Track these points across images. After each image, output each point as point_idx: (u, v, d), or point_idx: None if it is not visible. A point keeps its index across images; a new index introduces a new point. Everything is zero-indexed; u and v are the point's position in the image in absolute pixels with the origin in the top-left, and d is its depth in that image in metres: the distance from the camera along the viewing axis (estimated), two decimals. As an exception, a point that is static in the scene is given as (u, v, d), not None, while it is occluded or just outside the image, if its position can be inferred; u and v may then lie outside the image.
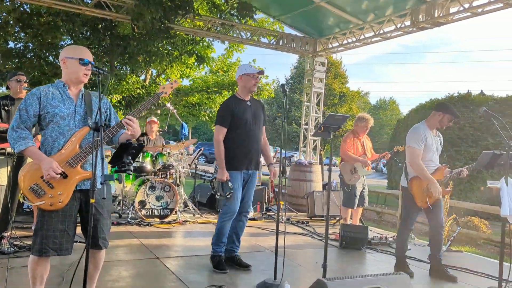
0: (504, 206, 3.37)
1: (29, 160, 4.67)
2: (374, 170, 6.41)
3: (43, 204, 2.63)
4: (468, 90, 12.90)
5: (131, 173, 2.59)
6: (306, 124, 10.00)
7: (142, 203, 6.36)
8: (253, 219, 7.27)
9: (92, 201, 2.45)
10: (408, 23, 7.37)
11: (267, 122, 4.44)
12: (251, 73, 4.21)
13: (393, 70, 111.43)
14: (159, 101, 9.76)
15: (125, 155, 2.50)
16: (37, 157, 2.64)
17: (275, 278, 3.75)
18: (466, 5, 6.41)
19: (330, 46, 9.40)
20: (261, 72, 4.27)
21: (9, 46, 9.37)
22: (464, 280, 4.48)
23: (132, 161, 2.53)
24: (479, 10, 6.34)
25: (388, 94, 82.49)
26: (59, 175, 2.60)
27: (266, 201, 8.14)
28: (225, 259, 4.33)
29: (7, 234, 4.49)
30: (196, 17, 8.07)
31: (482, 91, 12.66)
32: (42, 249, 2.63)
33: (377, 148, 7.91)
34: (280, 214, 7.62)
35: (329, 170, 3.33)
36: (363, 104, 59.98)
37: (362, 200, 6.30)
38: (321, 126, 3.26)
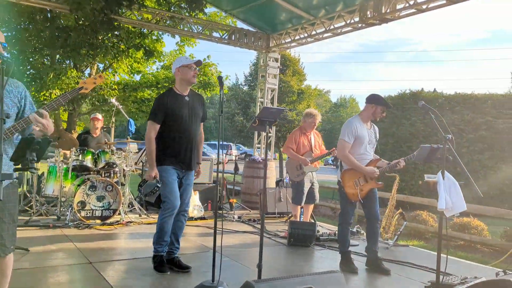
0: (440, 200, 3.34)
1: None
2: (319, 166, 6.35)
3: None
4: (422, 88, 13.19)
5: (34, 171, 2.30)
6: (260, 120, 9.86)
7: (82, 204, 6.00)
8: (203, 218, 7.05)
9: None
10: (357, 19, 7.37)
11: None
12: (188, 64, 4.02)
13: (354, 69, 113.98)
14: (102, 97, 9.36)
15: (28, 151, 2.22)
16: None
17: (213, 280, 3.56)
18: (411, 1, 6.46)
19: (283, 41, 9.31)
20: (199, 63, 4.10)
21: None
22: (407, 274, 4.48)
23: (36, 158, 2.26)
24: (424, 6, 6.41)
25: (348, 92, 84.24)
26: None
27: (218, 199, 7.94)
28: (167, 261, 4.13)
29: None
30: (143, 9, 7.72)
31: (435, 89, 12.99)
32: None
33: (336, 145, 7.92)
34: (231, 212, 7.57)
35: (265, 166, 3.17)
36: (324, 102, 61.01)
37: (312, 197, 6.23)
38: (256, 120, 3.10)
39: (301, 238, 5.51)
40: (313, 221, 6.59)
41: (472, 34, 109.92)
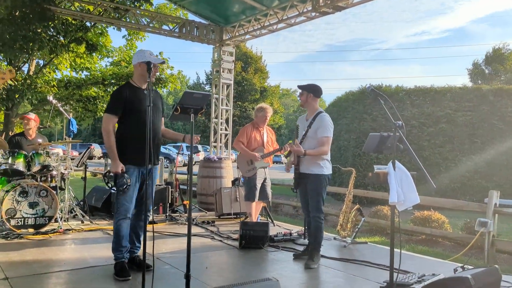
0: (392, 193, 3.04)
1: None
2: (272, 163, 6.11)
3: None
4: (381, 83, 13.15)
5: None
6: (216, 117, 9.44)
7: (12, 212, 5.40)
8: (153, 222, 6.55)
9: None
10: (310, 7, 7.08)
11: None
12: (152, 63, 3.64)
13: (320, 68, 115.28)
14: (41, 95, 8.65)
15: None
16: None
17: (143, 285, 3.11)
18: (364, -12, 6.22)
19: (237, 34, 8.92)
20: (163, 63, 4.00)
21: None
22: (363, 274, 4.18)
23: None
24: (376, -7, 6.18)
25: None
26: None
27: (170, 201, 7.46)
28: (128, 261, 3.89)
29: None
30: (83, -1, 7.15)
31: (397, 85, 12.97)
32: None
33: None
34: (185, 214, 7.12)
35: (189, 162, 2.76)
36: (292, 102, 61.23)
37: (264, 194, 5.96)
38: (177, 107, 2.68)
39: (253, 240, 5.14)
40: (266, 220, 6.27)
41: (434, 33, 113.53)
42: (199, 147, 28.21)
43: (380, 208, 8.14)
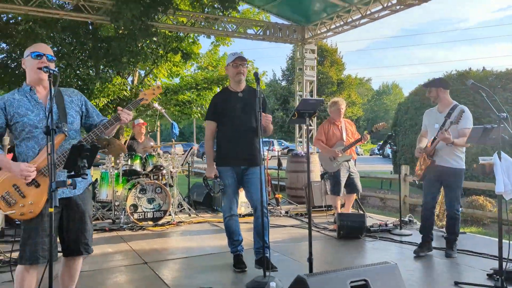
0: (498, 183, 3.17)
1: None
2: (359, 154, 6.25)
3: (13, 213, 2.50)
4: (470, 68, 12.55)
5: (86, 177, 2.40)
6: (301, 114, 9.78)
7: (134, 207, 6.20)
8: (251, 214, 7.08)
9: (50, 210, 2.29)
10: (394, 1, 7.12)
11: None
12: (230, 62, 4.02)
13: (394, 55, 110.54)
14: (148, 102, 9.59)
15: (79, 158, 2.32)
16: (5, 164, 2.52)
17: (264, 275, 3.56)
18: (453, -23, 6.16)
19: (318, 32, 9.16)
20: (239, 58, 3.99)
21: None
22: (466, 262, 4.29)
23: (87, 165, 2.35)
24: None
25: (390, 78, 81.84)
26: (31, 183, 2.49)
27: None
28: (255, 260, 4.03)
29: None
30: (178, 13, 7.86)
31: (484, 67, 12.30)
32: (32, 257, 2.51)
33: (382, 134, 7.67)
34: (277, 207, 7.57)
35: (307, 159, 3.13)
36: (366, 91, 59.78)
37: (352, 186, 6.09)
38: (295, 112, 3.06)
39: (351, 230, 5.40)
40: (361, 212, 6.46)
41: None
42: (274, 141, 28.59)
43: (475, 198, 7.94)
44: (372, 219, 6.73)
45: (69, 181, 2.34)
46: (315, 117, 3.41)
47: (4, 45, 9.07)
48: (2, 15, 8.81)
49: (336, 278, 2.50)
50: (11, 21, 8.85)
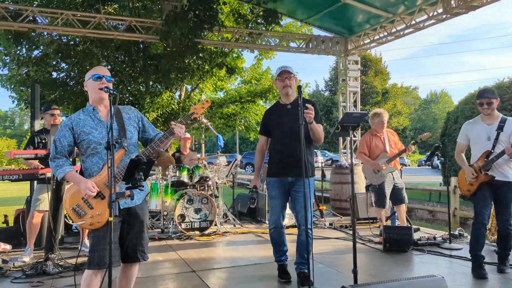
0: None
1: (69, 183, 4.95)
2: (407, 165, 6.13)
3: (83, 224, 2.74)
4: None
5: (143, 188, 2.60)
6: (344, 125, 9.76)
7: (182, 217, 6.43)
8: (295, 226, 7.12)
9: (110, 219, 2.50)
10: (440, 10, 7.02)
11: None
12: (277, 77, 4.14)
13: (442, 62, 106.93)
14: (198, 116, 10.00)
15: (136, 171, 2.52)
16: (75, 180, 2.78)
17: (309, 286, 3.61)
18: (501, -16, 6.01)
19: (362, 43, 9.15)
20: (285, 72, 4.05)
21: (52, 76, 9.98)
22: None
23: (143, 177, 2.55)
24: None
25: (438, 86, 79.15)
26: (97, 195, 2.72)
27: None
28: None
29: (52, 255, 4.69)
30: (223, 29, 8.15)
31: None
32: (101, 262, 2.72)
33: (430, 144, 7.46)
34: (322, 219, 7.56)
35: (351, 171, 3.18)
36: (413, 100, 58.12)
37: (398, 197, 5.99)
38: (338, 126, 3.13)
39: (397, 243, 5.33)
40: (409, 224, 6.34)
41: None
42: (318, 152, 28.33)
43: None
44: (420, 232, 6.59)
45: (128, 192, 2.54)
46: (359, 129, 3.44)
47: (64, 64, 9.79)
48: (62, 37, 9.52)
49: (381, 289, 2.53)
50: (71, 43, 9.56)
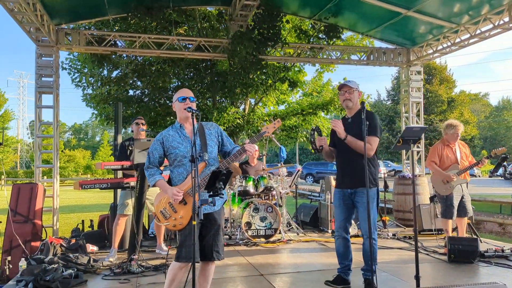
0: None
1: (150, 191, 5.53)
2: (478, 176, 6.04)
3: (168, 224, 3.22)
4: None
5: (223, 196, 3.00)
6: (407, 135, 9.71)
7: (248, 225, 6.82)
8: (357, 235, 7.25)
9: (194, 222, 2.92)
10: (507, 19, 6.89)
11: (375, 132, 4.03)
12: (338, 91, 4.35)
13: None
14: (256, 128, 10.46)
15: (217, 181, 2.92)
16: (164, 187, 3.27)
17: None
18: None
19: (424, 53, 9.11)
20: (343, 86, 4.25)
21: (129, 94, 10.93)
22: None
23: (223, 186, 2.94)
24: None
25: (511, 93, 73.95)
26: (181, 201, 3.18)
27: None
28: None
29: (135, 256, 5.25)
30: (285, 46, 8.52)
31: None
32: (187, 256, 3.16)
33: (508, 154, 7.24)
34: (384, 230, 7.60)
35: (413, 182, 3.36)
36: (482, 107, 54.92)
37: (463, 210, 5.95)
38: (399, 139, 3.33)
39: (462, 254, 5.32)
40: (475, 236, 6.25)
41: None
42: (380, 163, 27.69)
43: None
44: (488, 244, 6.46)
45: (210, 200, 2.95)
46: (422, 140, 3.46)
47: (139, 82, 10.71)
48: (139, 58, 10.43)
49: (442, 293, 2.69)
50: (146, 63, 10.45)
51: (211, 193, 2.98)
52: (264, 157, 8.69)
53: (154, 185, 3.33)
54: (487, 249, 5.64)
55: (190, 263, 3.11)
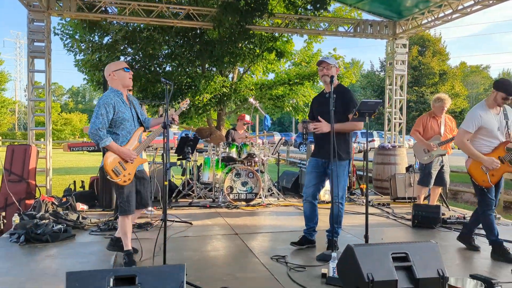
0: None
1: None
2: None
3: (119, 180, 3.68)
4: None
5: (190, 159, 3.35)
6: (390, 107, 10.01)
7: (230, 189, 7.21)
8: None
9: (165, 183, 3.29)
10: (487, -5, 7.07)
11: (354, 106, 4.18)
12: (318, 66, 4.55)
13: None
14: (243, 97, 10.74)
15: (185, 146, 3.25)
16: (117, 149, 3.69)
17: (332, 250, 4.17)
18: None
19: (410, 27, 9.27)
20: (320, 62, 4.48)
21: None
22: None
23: (191, 151, 3.28)
24: None
25: None
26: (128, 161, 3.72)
27: (348, 185, 8.45)
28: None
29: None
30: (272, 16, 8.62)
31: None
32: (132, 209, 3.78)
33: None
34: (362, 197, 8.02)
35: (366, 152, 3.68)
36: (482, 79, 54.59)
37: (441, 180, 6.32)
38: (356, 112, 3.63)
39: (425, 220, 5.74)
40: (445, 206, 6.61)
41: None
42: (375, 133, 27.87)
43: None
44: (455, 212, 6.87)
45: (179, 163, 3.32)
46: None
47: (130, 49, 10.83)
48: (129, 25, 10.52)
49: (380, 249, 3.05)
50: (137, 30, 10.55)
51: (181, 157, 3.32)
52: (257, 125, 9.00)
53: (105, 146, 3.62)
54: (450, 216, 6.06)
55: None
